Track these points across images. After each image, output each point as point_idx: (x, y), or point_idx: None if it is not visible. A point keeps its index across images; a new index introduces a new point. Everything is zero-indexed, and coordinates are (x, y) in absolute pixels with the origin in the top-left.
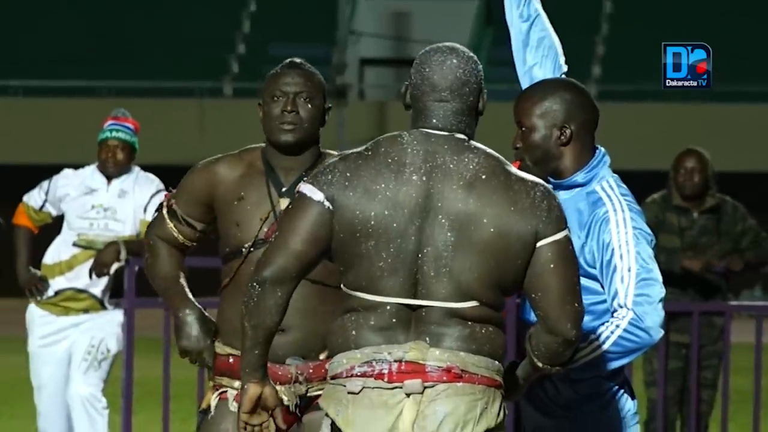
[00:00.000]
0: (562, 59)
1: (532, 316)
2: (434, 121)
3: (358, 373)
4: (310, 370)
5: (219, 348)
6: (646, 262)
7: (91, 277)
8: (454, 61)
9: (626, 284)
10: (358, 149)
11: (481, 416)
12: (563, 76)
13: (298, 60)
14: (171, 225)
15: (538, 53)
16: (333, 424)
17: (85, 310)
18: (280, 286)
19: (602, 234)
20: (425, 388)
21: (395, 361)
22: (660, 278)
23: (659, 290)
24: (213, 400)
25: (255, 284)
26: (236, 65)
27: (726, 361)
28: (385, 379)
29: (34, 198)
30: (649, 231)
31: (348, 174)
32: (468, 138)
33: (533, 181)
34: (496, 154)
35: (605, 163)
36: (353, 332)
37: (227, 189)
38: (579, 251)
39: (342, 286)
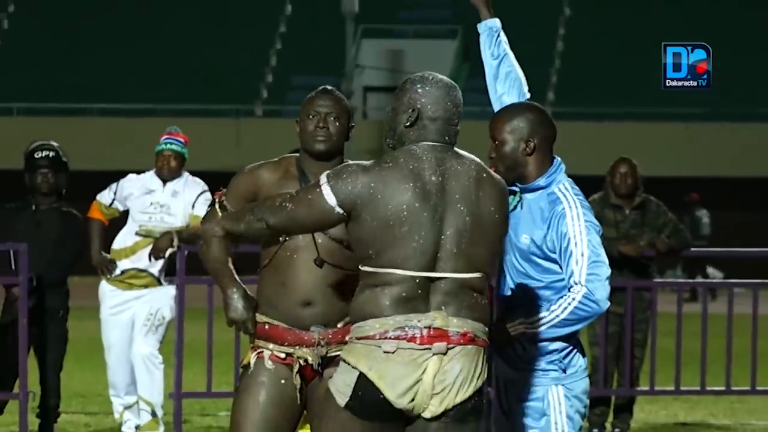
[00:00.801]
0: (525, 88)
1: (506, 293)
2: (446, 138)
3: (392, 336)
4: (330, 336)
5: (258, 318)
6: (595, 248)
7: (150, 259)
8: (458, 93)
9: (580, 266)
10: (375, 162)
11: (481, 371)
12: (527, 100)
13: (329, 87)
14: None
15: (506, 84)
16: (361, 376)
17: (145, 286)
18: (273, 231)
19: (560, 226)
20: (447, 349)
21: (425, 327)
22: (606, 261)
23: (606, 270)
24: (252, 358)
25: (261, 221)
26: (265, 92)
27: (653, 326)
28: (417, 342)
29: (104, 197)
30: (597, 223)
31: (373, 184)
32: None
33: (500, 178)
34: (477, 158)
35: (562, 170)
36: (386, 302)
37: (268, 189)
38: (542, 240)
39: (368, 267)
